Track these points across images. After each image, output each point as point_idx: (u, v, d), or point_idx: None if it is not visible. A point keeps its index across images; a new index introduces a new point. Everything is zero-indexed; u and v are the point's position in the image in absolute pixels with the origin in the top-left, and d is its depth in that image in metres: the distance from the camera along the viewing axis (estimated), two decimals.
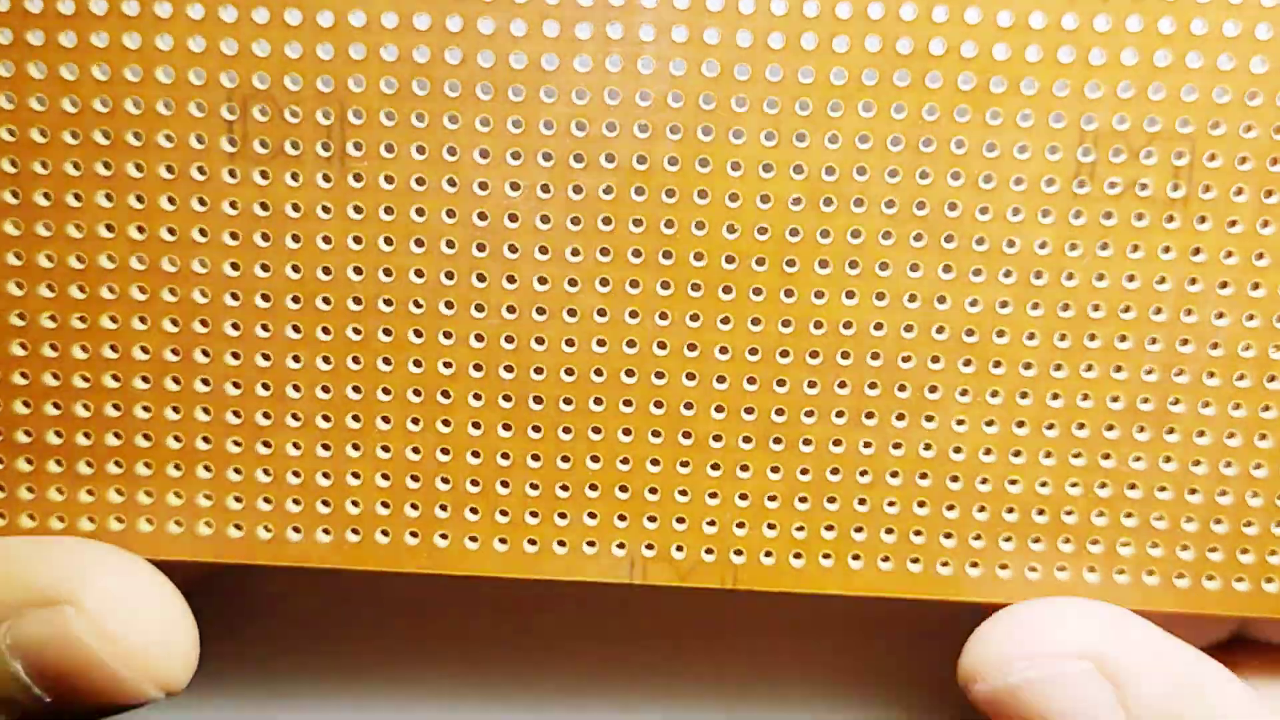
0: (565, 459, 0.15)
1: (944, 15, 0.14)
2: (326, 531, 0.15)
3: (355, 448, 0.15)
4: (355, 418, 0.15)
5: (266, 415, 0.15)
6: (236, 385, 0.15)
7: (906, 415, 0.15)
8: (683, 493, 0.15)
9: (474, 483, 0.15)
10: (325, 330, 0.14)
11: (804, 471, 0.15)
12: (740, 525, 0.15)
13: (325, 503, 0.15)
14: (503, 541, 0.15)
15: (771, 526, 0.15)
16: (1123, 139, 0.14)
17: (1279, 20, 0.14)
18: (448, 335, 0.14)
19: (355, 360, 0.15)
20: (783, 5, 0.14)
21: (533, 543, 0.15)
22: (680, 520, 0.15)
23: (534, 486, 0.15)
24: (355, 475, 0.15)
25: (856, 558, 0.15)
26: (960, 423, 0.15)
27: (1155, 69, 0.14)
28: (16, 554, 0.14)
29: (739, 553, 0.15)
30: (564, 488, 0.15)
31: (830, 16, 0.14)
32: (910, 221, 0.14)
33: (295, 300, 0.14)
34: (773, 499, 0.15)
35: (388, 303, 0.14)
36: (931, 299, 0.14)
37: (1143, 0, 0.14)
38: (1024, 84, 0.14)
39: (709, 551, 0.15)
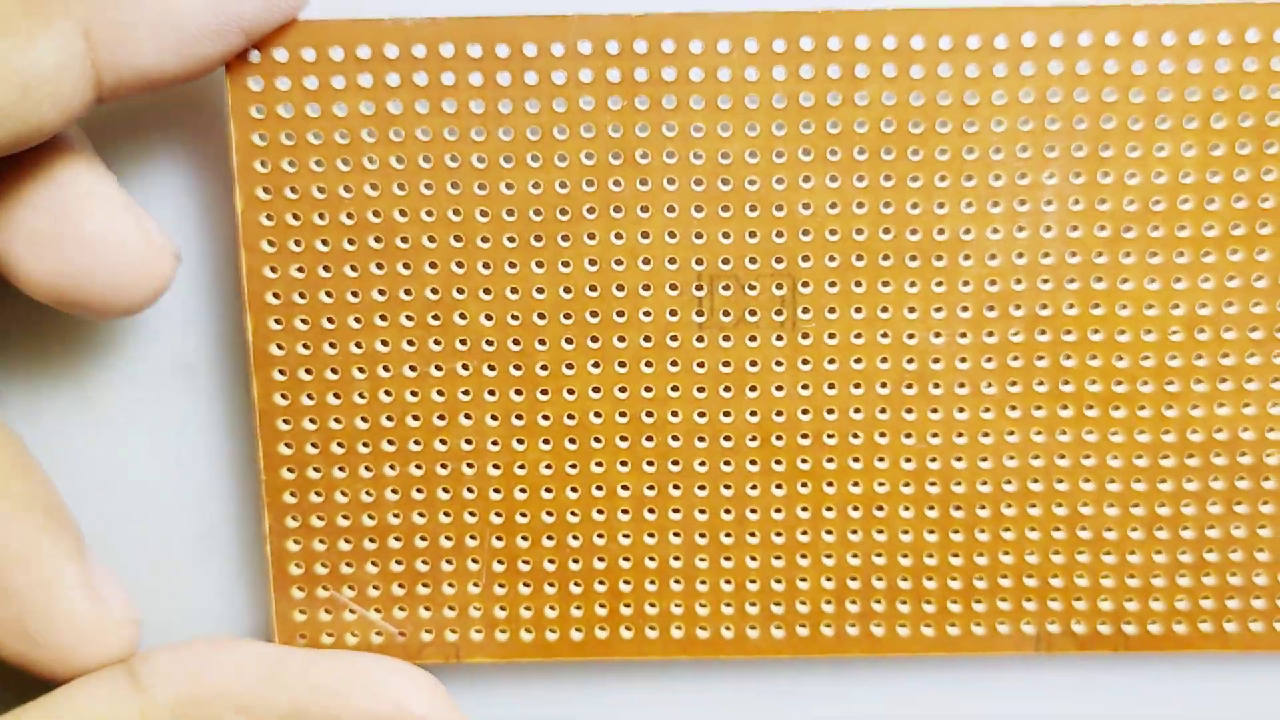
0: (980, 554, 0.18)
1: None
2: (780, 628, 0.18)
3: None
4: (804, 532, 0.18)
5: (727, 534, 0.18)
6: (702, 511, 0.18)
7: None
8: (1080, 576, 0.18)
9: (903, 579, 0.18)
10: (778, 462, 0.17)
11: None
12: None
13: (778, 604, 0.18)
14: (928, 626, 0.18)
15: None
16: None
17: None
18: (881, 460, 0.17)
19: (803, 484, 0.17)
20: None
21: (953, 625, 0.18)
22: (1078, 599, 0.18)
23: (954, 579, 0.18)
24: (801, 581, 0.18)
25: None
26: None
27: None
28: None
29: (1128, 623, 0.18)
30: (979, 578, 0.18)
31: None
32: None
33: (753, 439, 0.17)
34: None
35: (830, 436, 0.17)
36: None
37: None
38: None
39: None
